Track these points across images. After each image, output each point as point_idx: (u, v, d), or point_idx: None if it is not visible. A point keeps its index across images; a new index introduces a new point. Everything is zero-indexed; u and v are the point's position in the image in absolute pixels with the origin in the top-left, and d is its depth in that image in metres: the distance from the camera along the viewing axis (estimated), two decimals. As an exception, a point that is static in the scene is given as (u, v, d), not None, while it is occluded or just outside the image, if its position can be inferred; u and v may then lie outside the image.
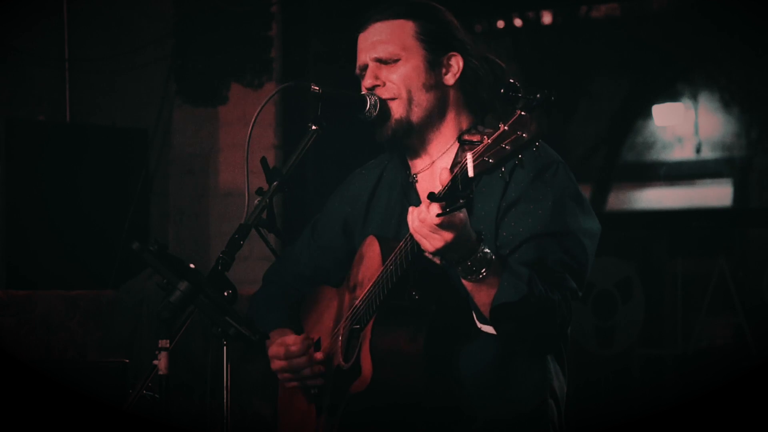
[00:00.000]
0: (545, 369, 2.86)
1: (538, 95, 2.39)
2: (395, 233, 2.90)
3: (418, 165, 2.96)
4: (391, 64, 2.87)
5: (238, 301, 2.56)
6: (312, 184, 5.77)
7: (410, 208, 2.58)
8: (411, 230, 2.58)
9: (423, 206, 2.54)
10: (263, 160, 2.74)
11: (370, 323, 2.78)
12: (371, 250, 2.86)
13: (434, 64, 2.88)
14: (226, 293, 2.54)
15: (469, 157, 2.42)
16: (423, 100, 2.87)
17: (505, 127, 2.39)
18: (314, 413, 3.00)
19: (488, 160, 2.40)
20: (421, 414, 2.77)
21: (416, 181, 2.95)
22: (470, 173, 2.42)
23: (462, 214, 2.54)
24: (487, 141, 2.41)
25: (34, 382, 3.66)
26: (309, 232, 3.21)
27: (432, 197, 2.50)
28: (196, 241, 6.29)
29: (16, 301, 4.86)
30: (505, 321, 2.66)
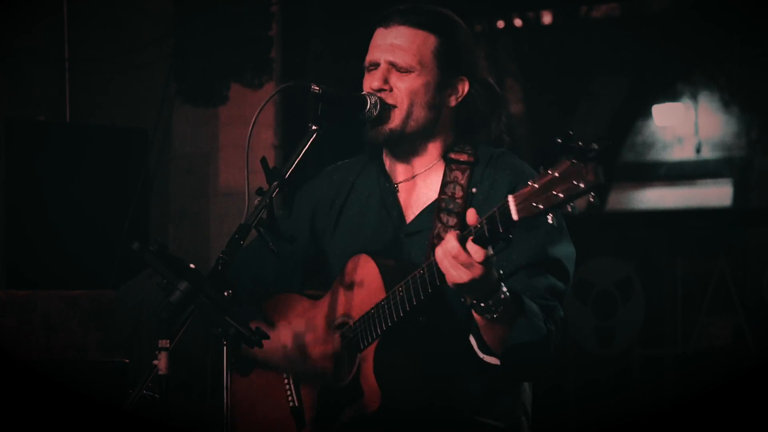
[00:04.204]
0: (520, 388, 2.93)
1: (595, 146, 2.29)
2: (370, 243, 2.89)
3: (399, 175, 2.96)
4: (403, 73, 2.87)
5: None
6: (312, 184, 5.76)
7: (440, 244, 2.51)
8: (438, 261, 2.52)
9: (453, 240, 2.48)
10: (263, 160, 2.73)
11: (373, 346, 2.75)
12: (367, 270, 2.82)
13: (443, 86, 2.89)
14: (226, 293, 2.54)
15: (512, 200, 2.38)
16: (421, 117, 2.88)
17: (555, 174, 2.31)
18: (293, 425, 2.96)
19: (536, 206, 2.33)
20: (419, 421, 2.77)
21: (398, 191, 2.95)
22: (514, 216, 2.37)
23: (492, 252, 2.50)
24: (533, 186, 2.34)
25: (34, 382, 3.66)
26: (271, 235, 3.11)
27: (470, 237, 2.45)
28: (196, 241, 6.29)
29: (16, 301, 4.86)
30: (516, 356, 2.67)
